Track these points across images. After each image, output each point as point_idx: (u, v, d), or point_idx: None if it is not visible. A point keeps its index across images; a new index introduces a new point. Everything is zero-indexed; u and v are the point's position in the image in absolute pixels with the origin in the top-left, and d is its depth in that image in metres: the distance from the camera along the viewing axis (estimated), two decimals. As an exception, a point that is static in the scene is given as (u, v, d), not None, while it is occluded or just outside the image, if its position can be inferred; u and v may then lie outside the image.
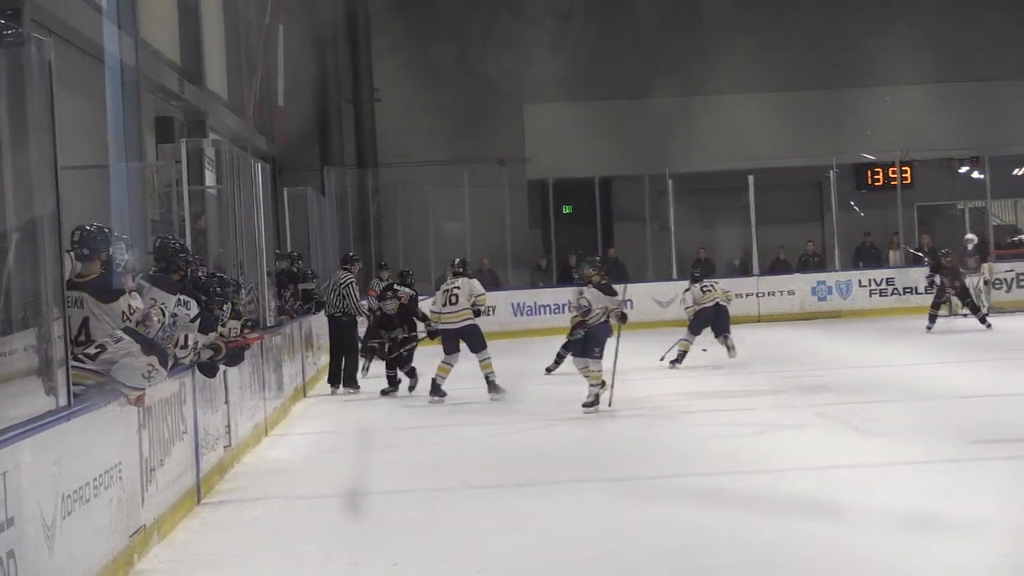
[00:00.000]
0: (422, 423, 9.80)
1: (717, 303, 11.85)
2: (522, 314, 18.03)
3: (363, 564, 5.02)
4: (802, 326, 17.13)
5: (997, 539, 4.99)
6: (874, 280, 18.55)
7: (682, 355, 11.79)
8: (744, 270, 19.27)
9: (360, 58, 19.83)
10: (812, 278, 18.61)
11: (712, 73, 20.52)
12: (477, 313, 10.35)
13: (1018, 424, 7.96)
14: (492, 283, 18.06)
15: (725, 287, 12.60)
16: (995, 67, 20.60)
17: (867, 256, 19.44)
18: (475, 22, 19.53)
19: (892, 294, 18.52)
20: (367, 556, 5.14)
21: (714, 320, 11.79)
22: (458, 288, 10.18)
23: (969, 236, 17.46)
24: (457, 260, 10.95)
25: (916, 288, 17.73)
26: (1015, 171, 21.32)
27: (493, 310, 16.37)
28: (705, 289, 11.97)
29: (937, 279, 15.16)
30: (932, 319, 14.88)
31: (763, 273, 18.91)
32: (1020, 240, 19.77)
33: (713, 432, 8.42)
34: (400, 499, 6.65)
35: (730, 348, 11.74)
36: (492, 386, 10.10)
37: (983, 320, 14.66)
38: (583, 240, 19.37)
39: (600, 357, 8.99)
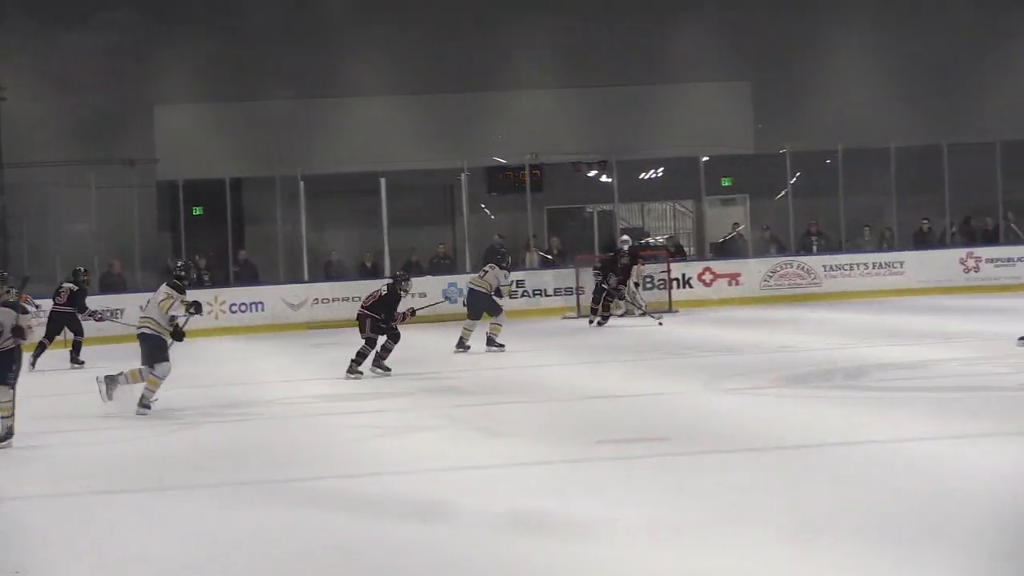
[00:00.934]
0: (74, 424, 11.45)
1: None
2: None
3: None
4: (434, 328, 22.11)
5: (614, 539, 6.16)
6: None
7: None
8: (376, 272, 24.36)
9: None
10: (443, 280, 23.68)
11: (341, 76, 25.72)
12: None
13: (644, 424, 10.05)
14: (120, 286, 22.57)
15: None
16: (622, 73, 26.63)
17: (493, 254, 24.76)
18: (103, 21, 24.09)
19: (523, 296, 23.95)
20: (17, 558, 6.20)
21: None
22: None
23: (624, 238, 22.86)
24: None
25: (546, 290, 23.37)
26: (641, 175, 27.14)
27: (121, 313, 20.34)
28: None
29: (612, 280, 20.01)
30: (605, 318, 19.82)
31: (395, 276, 24.17)
32: (648, 243, 25.75)
33: (344, 435, 10.28)
34: (43, 505, 7.91)
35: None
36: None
37: (640, 316, 19.88)
38: (214, 242, 24.05)
39: (9, 385, 9.56)
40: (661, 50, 27.67)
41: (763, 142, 27.83)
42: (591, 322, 19.99)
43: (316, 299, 23.28)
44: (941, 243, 25.98)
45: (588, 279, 22.25)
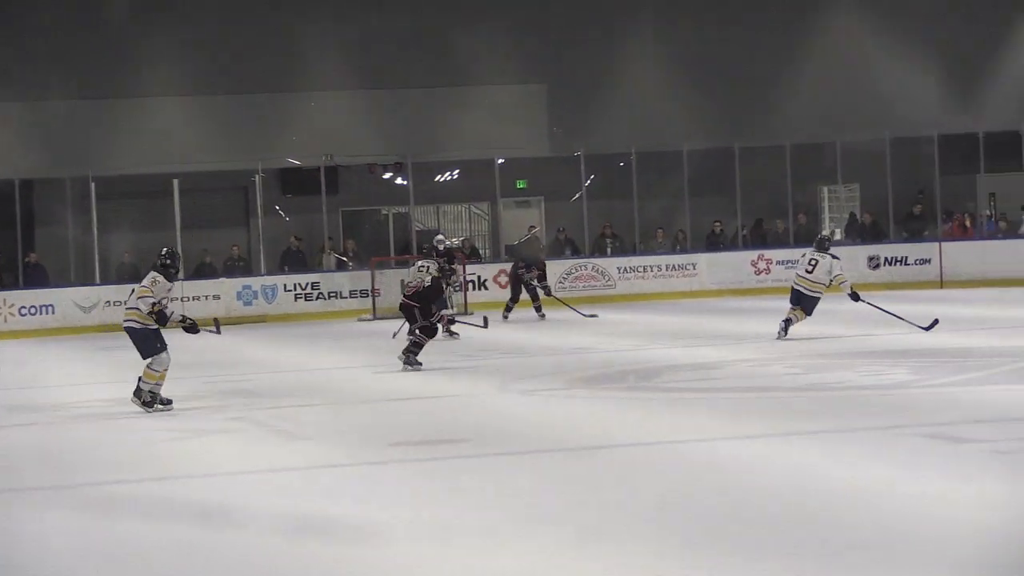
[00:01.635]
0: None
1: None
2: None
3: None
4: (227, 331, 26.53)
5: (399, 540, 7.46)
6: (300, 284, 28.12)
7: None
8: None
9: None
10: (238, 283, 28.00)
11: (133, 76, 30.16)
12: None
13: (437, 426, 12.07)
14: None
15: None
16: (417, 75, 31.68)
17: (293, 261, 29.16)
18: None
19: (318, 298, 28.27)
20: None
21: None
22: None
23: (439, 238, 27.34)
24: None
25: (341, 292, 27.96)
26: (437, 177, 32.24)
27: None
28: None
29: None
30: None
31: (188, 277, 28.24)
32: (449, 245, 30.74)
33: (134, 439, 11.95)
34: None
35: None
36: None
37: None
38: (2, 244, 28.19)
39: None
40: (456, 52, 32.48)
41: (558, 145, 32.99)
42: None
43: (108, 302, 27.05)
44: (733, 245, 31.33)
45: (383, 281, 27.01)
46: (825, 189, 34.95)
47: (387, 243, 31.06)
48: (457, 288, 26.56)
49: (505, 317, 24.36)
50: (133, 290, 13.45)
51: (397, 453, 10.97)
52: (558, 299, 25.28)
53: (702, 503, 8.42)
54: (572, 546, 7.33)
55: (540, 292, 24.68)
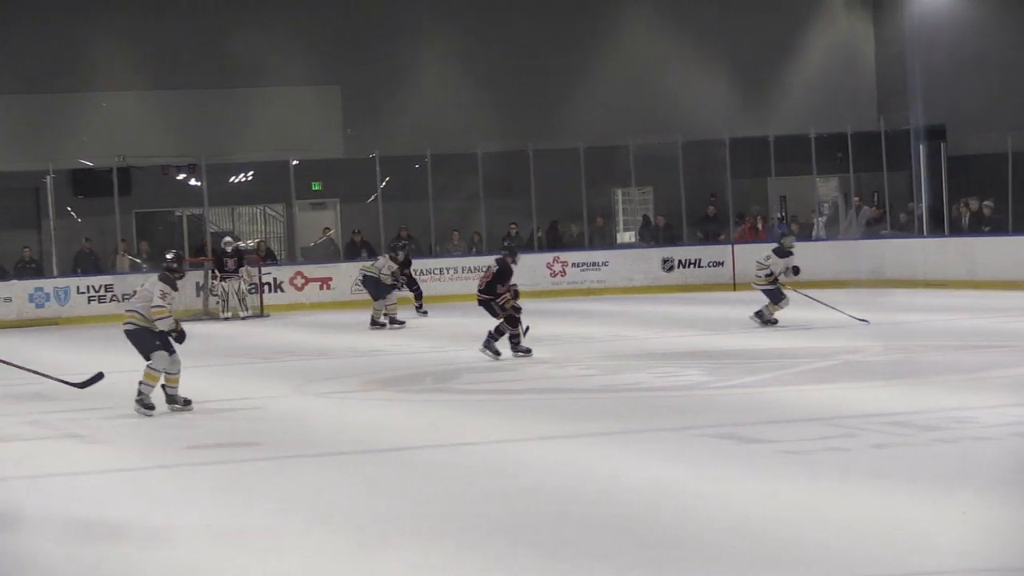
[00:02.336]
0: None
1: None
2: None
3: None
4: (18, 334, 29.63)
5: (187, 542, 8.90)
6: (93, 287, 32.41)
7: None
8: None
9: None
10: (29, 284, 32.13)
11: None
12: None
13: (232, 430, 14.09)
14: None
15: None
16: (211, 75, 36.56)
17: (86, 262, 33.45)
18: None
19: (112, 300, 32.56)
20: None
21: None
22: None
23: (227, 239, 31.95)
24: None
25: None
26: (231, 179, 36.92)
27: None
28: None
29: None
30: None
31: (-24, 279, 32.84)
32: (239, 246, 35.56)
33: None
34: None
35: None
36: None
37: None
38: None
39: None
40: (249, 53, 37.08)
41: (353, 147, 37.72)
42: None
43: None
44: (529, 247, 35.72)
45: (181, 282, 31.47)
46: (619, 192, 40.06)
47: (181, 245, 35.21)
48: (252, 290, 31.46)
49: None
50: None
51: (193, 456, 12.90)
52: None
53: (494, 504, 9.92)
54: (362, 548, 8.63)
55: None
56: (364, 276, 27.72)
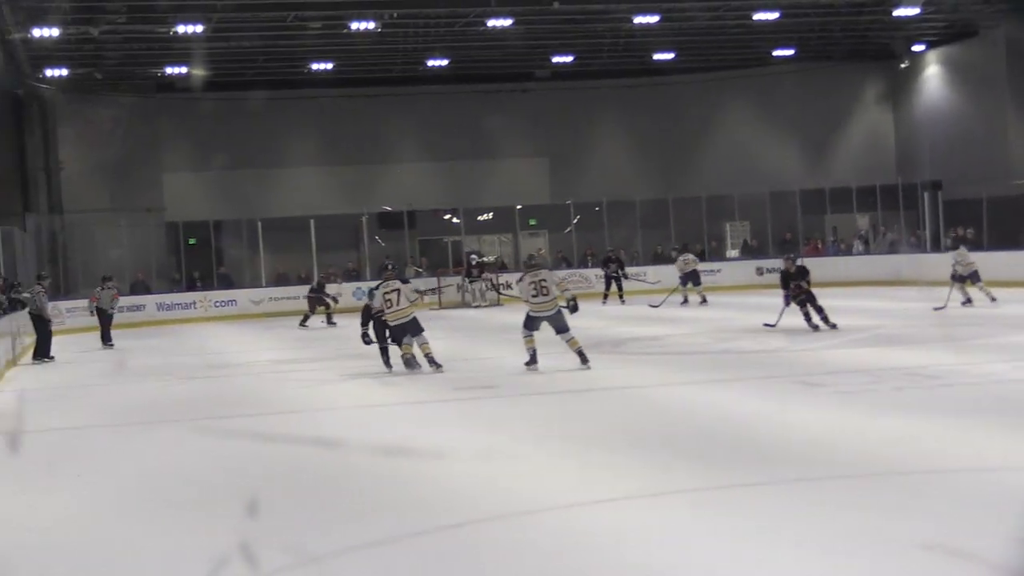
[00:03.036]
0: (96, 381, 20.24)
1: None
2: (164, 310, 39.68)
3: (57, 476, 11.19)
4: (347, 317, 43.96)
5: (458, 460, 10.69)
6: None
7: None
8: (308, 280, 45.22)
9: (49, 140, 43.60)
10: (352, 285, 41.02)
11: (280, 152, 46.52)
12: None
13: (504, 376, 16.92)
14: (143, 290, 41.05)
15: None
16: (465, 150, 47.43)
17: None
18: (121, 119, 44.23)
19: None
20: (58, 471, 11.45)
21: None
22: (396, 290, 18.40)
23: (473, 256, 40.38)
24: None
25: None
26: (479, 217, 45.98)
27: (143, 307, 40.68)
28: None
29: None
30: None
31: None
32: (484, 260, 47.38)
33: (280, 387, 17.52)
34: (77, 433, 13.96)
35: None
36: (431, 361, 18.14)
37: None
38: (203, 262, 43.68)
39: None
40: (490, 134, 47.64)
41: (556, 196, 46.97)
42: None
43: (269, 298, 40.17)
44: (670, 261, 41.97)
45: (446, 283, 40.27)
46: (727, 224, 47.81)
47: (447, 261, 44.14)
48: (491, 289, 38.26)
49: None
50: (398, 294, 18.46)
51: (459, 395, 15.45)
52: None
53: (656, 425, 12.22)
54: (573, 460, 10.60)
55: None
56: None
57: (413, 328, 18.43)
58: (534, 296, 17.48)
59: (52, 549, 8.70)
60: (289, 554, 7.96)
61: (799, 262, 23.20)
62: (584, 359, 17.03)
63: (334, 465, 11.35)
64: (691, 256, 33.35)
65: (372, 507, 9.31)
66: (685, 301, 31.89)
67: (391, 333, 18.82)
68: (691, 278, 32.57)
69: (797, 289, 22.12)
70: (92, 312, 29.98)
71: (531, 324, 17.65)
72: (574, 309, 17.60)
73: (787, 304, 22.23)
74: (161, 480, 11.04)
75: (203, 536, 8.59)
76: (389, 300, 18.55)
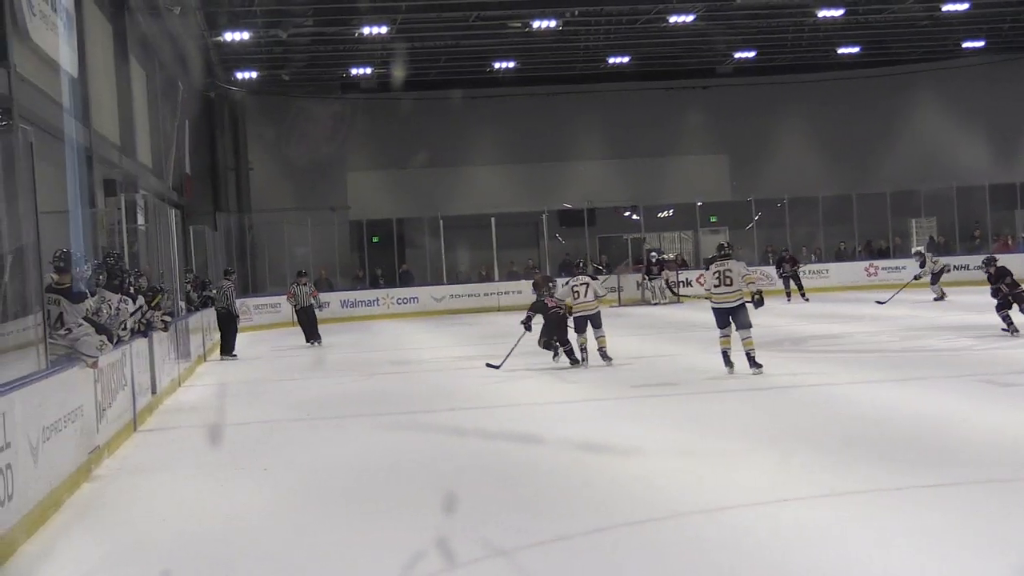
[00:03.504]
0: (284, 376, 20.27)
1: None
2: (348, 307, 40.57)
3: (245, 468, 11.37)
4: None
5: (648, 455, 10.74)
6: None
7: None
8: (488, 278, 44.35)
9: (239, 141, 44.54)
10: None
11: (466, 151, 46.89)
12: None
13: (656, 375, 17.17)
14: (327, 287, 41.19)
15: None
16: (647, 147, 47.33)
17: (567, 268, 44.25)
18: (308, 119, 44.81)
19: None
20: (247, 462, 11.72)
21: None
22: (586, 284, 19.17)
23: (652, 253, 41.00)
24: (580, 263, 20.89)
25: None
26: (659, 215, 46.35)
27: (328, 304, 40.28)
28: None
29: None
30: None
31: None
32: (664, 258, 47.30)
33: (466, 382, 17.48)
34: (267, 426, 14.20)
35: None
36: (603, 355, 18.94)
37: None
38: (386, 260, 44.28)
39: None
40: (671, 132, 47.53)
41: (737, 193, 46.73)
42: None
43: (451, 295, 41.32)
44: (852, 258, 43.95)
45: (625, 281, 40.30)
46: (913, 221, 47.06)
47: (627, 257, 43.82)
48: (673, 285, 39.37)
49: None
50: (588, 285, 19.32)
51: (637, 392, 15.82)
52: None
53: (836, 425, 12.14)
54: (762, 457, 10.69)
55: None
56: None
57: (596, 320, 19.21)
58: (716, 287, 17.04)
59: (235, 537, 9.03)
60: (480, 547, 8.05)
61: (998, 263, 22.07)
62: (754, 363, 16.64)
63: (523, 460, 11.42)
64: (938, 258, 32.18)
65: (561, 502, 9.39)
66: (941, 297, 31.55)
67: (575, 323, 19.41)
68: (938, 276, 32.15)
69: (1013, 286, 21.03)
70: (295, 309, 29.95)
71: (718, 319, 17.20)
72: (759, 303, 17.02)
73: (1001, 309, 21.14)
74: (351, 474, 11.34)
75: (394, 530, 8.79)
76: (577, 292, 19.27)
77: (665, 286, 39.25)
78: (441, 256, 43.48)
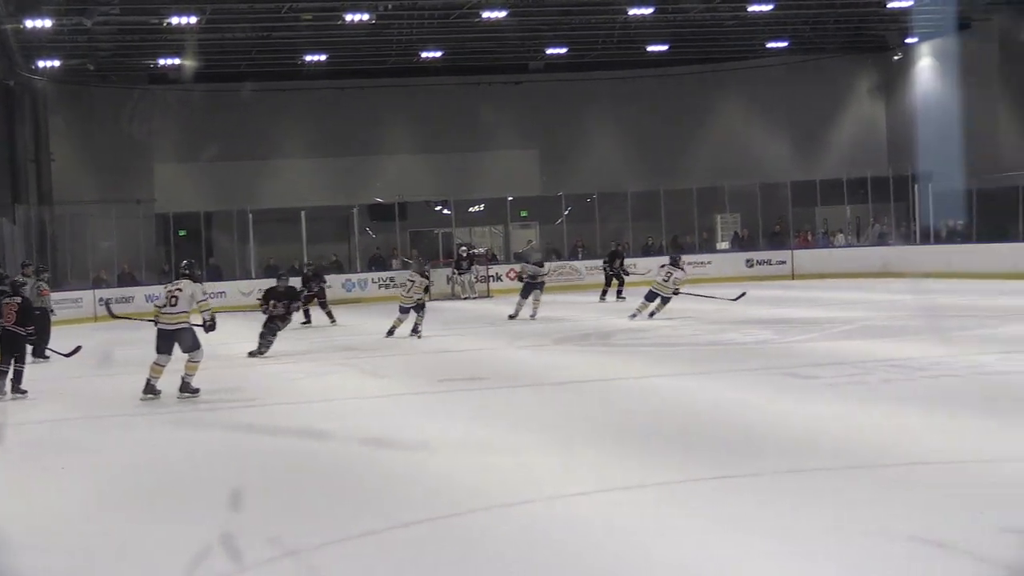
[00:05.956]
0: (75, 374, 18.97)
1: None
2: (153, 301, 38.70)
3: (27, 470, 11.25)
4: (348, 309, 44.10)
5: (445, 451, 10.77)
6: (381, 279, 43.73)
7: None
8: (298, 272, 46.18)
9: (41, 131, 43.45)
10: (342, 277, 43.24)
11: (271, 145, 46.64)
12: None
13: (468, 367, 16.93)
14: (131, 282, 41.03)
15: None
16: (457, 143, 47.66)
17: (377, 263, 44.55)
18: (113, 110, 44.15)
19: (392, 287, 43.65)
20: (44, 461, 11.77)
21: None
22: (180, 290, 15.29)
23: (463, 247, 40.82)
24: (185, 262, 16.58)
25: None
26: (470, 209, 46.11)
27: (132, 299, 40.10)
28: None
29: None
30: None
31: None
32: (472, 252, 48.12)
33: (264, 378, 17.50)
34: (52, 426, 14.32)
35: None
36: (185, 386, 15.44)
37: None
38: (194, 254, 44.42)
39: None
40: (482, 127, 47.95)
41: (548, 187, 47.13)
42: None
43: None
44: (658, 252, 43.23)
45: (435, 275, 39.53)
46: (718, 216, 47.90)
47: (438, 252, 43.55)
48: (481, 280, 40.07)
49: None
50: (175, 299, 15.36)
51: (442, 386, 15.64)
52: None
53: (638, 417, 12.33)
54: (558, 451, 10.74)
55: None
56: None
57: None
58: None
59: (36, 540, 8.72)
60: (271, 547, 7.95)
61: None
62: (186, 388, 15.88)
63: (317, 457, 11.39)
64: None
65: (354, 499, 9.42)
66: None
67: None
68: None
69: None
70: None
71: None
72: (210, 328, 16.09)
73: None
74: (139, 473, 11.16)
75: (183, 528, 8.68)
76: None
77: (476, 280, 39.83)
78: (250, 250, 43.31)
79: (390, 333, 23.70)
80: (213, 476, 10.58)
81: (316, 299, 30.04)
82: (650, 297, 25.32)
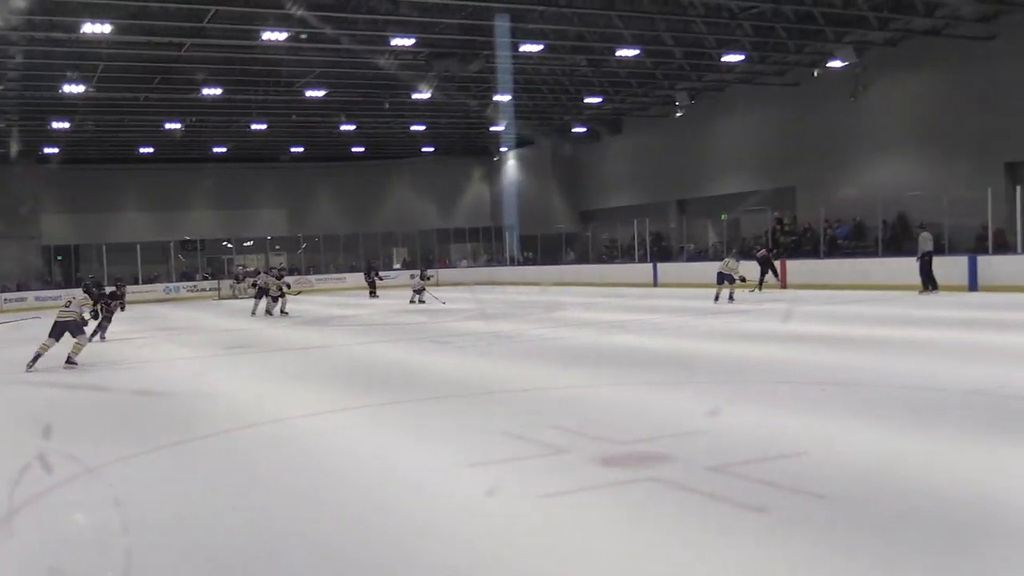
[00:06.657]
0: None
1: None
2: (40, 301, 37.95)
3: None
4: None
5: (234, 394, 9.57)
6: (187, 286, 46.49)
7: None
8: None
9: None
10: (162, 285, 44.85)
11: (124, 202, 45.45)
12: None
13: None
14: (26, 288, 40.07)
15: None
16: (239, 202, 47.04)
17: (186, 277, 46.87)
18: (14, 180, 42.42)
19: (197, 292, 46.75)
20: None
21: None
22: (74, 297, 13.69)
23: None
24: (87, 280, 16.33)
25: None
26: (244, 244, 46.74)
27: (26, 299, 39.96)
28: None
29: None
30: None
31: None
32: (246, 271, 49.32)
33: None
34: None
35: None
36: (69, 359, 13.26)
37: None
38: (67, 272, 43.58)
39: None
40: (251, 194, 47.19)
41: (292, 230, 46.86)
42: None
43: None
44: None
45: (224, 284, 43.26)
46: (395, 249, 47.36)
47: (224, 271, 44.93)
48: (251, 287, 38.10)
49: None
50: (69, 302, 13.58)
51: (228, 352, 14.04)
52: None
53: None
54: (304, 390, 9.89)
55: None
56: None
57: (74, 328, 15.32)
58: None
59: None
60: (73, 463, 6.91)
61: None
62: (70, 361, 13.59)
63: (102, 402, 10.11)
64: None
65: (136, 429, 8.34)
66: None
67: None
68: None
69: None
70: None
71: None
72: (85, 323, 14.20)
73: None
74: None
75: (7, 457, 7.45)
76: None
77: (248, 287, 36.92)
78: (104, 270, 39.49)
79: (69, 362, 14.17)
80: (51, 420, 9.11)
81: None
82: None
